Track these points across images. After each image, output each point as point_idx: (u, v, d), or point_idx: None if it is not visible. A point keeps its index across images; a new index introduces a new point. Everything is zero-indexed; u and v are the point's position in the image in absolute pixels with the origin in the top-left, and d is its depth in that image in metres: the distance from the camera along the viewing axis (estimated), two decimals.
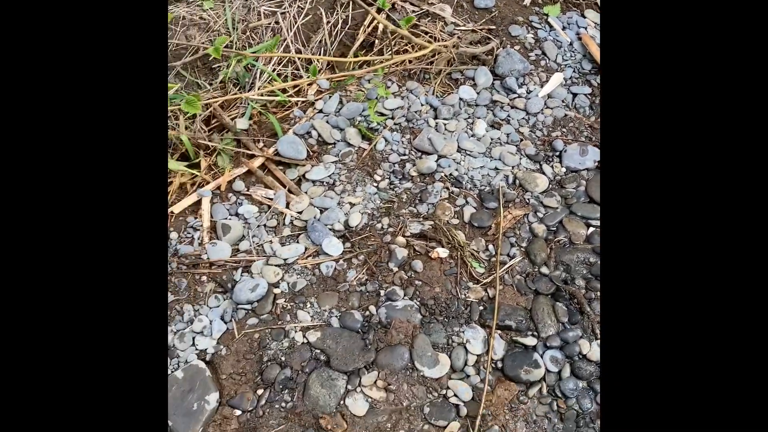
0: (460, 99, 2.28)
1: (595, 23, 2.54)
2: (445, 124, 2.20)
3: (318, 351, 1.69)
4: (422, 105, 2.26)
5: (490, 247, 1.91)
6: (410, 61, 2.33)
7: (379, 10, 2.26)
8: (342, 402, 1.61)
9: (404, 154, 2.13)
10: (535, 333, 1.74)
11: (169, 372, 1.67)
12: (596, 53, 2.38)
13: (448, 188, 2.03)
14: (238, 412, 1.60)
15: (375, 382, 1.65)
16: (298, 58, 2.32)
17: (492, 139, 2.17)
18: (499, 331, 1.74)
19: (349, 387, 1.63)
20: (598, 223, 1.95)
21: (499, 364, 1.69)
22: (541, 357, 1.69)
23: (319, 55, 2.35)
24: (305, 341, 1.70)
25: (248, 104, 2.21)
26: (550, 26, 2.50)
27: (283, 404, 1.61)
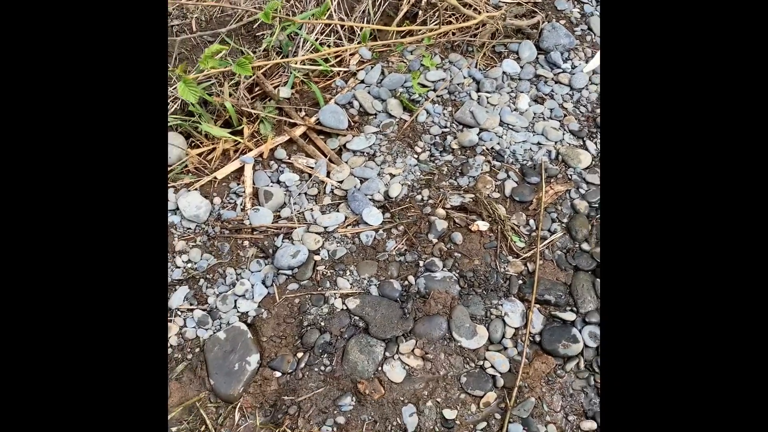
0: (504, 72, 2.25)
1: None
2: (487, 98, 2.18)
3: (357, 318, 1.71)
4: (465, 78, 2.24)
5: (531, 221, 1.89)
6: (454, 33, 2.30)
7: None
8: (380, 368, 1.63)
9: (445, 127, 2.12)
10: (574, 308, 1.73)
11: (211, 333, 1.71)
12: None
13: (489, 162, 2.02)
14: (278, 374, 1.64)
15: (412, 350, 1.66)
16: (341, 27, 2.31)
17: (535, 113, 2.15)
18: (537, 305, 1.74)
19: (387, 354, 1.65)
20: None
21: (537, 338, 1.69)
22: (580, 332, 1.68)
23: (363, 23, 2.33)
24: (344, 308, 1.73)
25: (291, 73, 2.22)
26: (597, 1, 2.44)
27: (322, 368, 1.64)
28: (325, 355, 1.66)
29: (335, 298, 1.74)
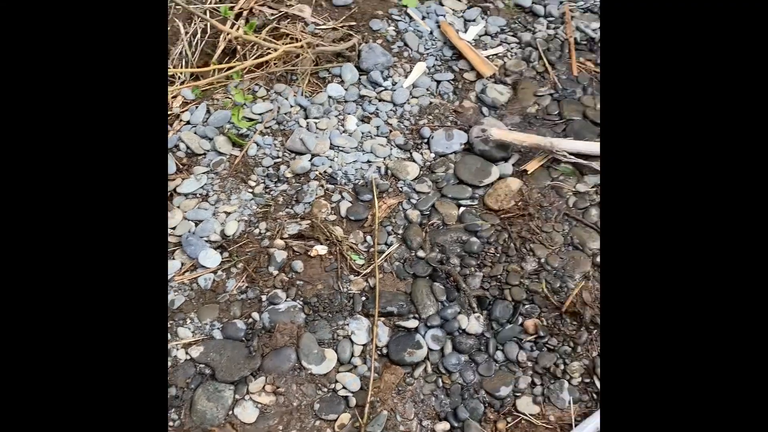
0: (329, 97, 2.30)
1: (453, 10, 2.63)
2: (316, 123, 2.22)
3: (202, 365, 1.67)
4: (291, 106, 2.27)
5: (368, 238, 1.95)
6: (275, 64, 2.33)
7: (229, 22, 2.25)
8: (230, 412, 1.60)
9: (277, 157, 2.13)
10: (417, 315, 1.80)
11: None
12: (455, 39, 2.47)
13: (323, 186, 2.06)
14: None
15: (263, 388, 1.65)
16: None
17: (363, 133, 2.21)
18: (382, 319, 1.79)
19: (237, 396, 1.63)
20: (467, 202, 2.03)
21: (385, 351, 1.74)
22: (423, 337, 1.75)
23: (181, 67, 2.30)
24: (188, 358, 1.68)
25: None
26: (410, 17, 2.57)
27: (171, 423, 1.58)
28: (173, 409, 1.60)
29: (177, 349, 1.69)
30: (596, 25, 2.56)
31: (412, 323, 1.77)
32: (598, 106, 2.28)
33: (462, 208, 2.02)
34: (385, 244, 1.94)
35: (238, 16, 2.42)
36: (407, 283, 1.87)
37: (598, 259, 1.86)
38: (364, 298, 1.82)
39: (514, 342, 1.74)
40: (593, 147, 2.08)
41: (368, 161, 2.13)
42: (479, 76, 2.40)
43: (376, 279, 1.84)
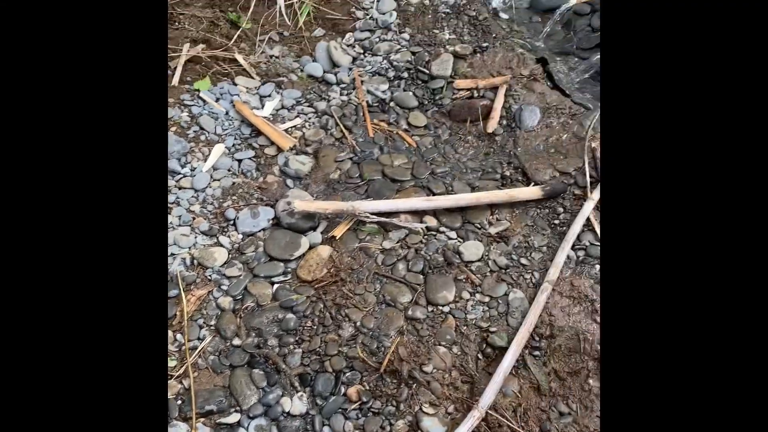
0: None
1: (247, 88, 2.67)
2: None
3: None
4: None
5: (179, 336, 1.86)
6: None
7: None
8: None
9: None
10: (238, 408, 1.73)
11: None
12: (251, 117, 2.50)
13: None
14: None
15: None
16: None
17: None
18: (201, 420, 1.70)
19: None
20: (280, 278, 2.02)
21: None
22: (246, 430, 1.68)
23: None
24: None
25: None
26: (203, 101, 2.56)
27: None
28: None
29: None
30: (385, 86, 2.72)
31: (233, 418, 1.70)
32: (395, 163, 2.41)
33: (276, 285, 2.01)
34: (198, 339, 1.86)
35: None
36: (225, 376, 1.80)
37: (410, 312, 1.92)
38: (179, 402, 1.72)
39: (340, 414, 1.73)
40: (392, 204, 2.18)
41: (171, 255, 2.06)
42: (280, 149, 2.44)
43: (190, 379, 1.75)
